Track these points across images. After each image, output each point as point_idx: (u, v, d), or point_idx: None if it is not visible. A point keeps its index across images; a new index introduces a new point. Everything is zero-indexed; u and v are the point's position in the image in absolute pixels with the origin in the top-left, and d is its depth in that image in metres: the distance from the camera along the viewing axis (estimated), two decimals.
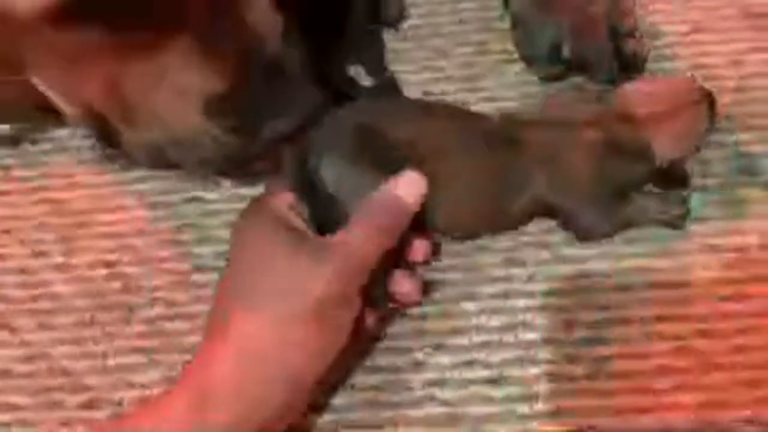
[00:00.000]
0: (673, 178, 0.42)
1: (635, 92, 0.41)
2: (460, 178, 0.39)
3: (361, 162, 0.37)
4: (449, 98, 0.47)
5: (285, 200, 0.37)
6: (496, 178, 0.40)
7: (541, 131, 0.40)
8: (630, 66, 0.45)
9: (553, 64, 0.46)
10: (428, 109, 0.42)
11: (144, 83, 0.36)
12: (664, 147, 0.40)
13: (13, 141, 0.50)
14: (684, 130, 0.40)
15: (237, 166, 0.41)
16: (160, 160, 0.39)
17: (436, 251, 0.41)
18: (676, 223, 0.42)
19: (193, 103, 0.36)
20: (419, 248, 0.39)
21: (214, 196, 0.46)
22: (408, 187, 0.37)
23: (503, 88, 0.47)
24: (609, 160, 0.40)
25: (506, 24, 0.49)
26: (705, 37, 0.48)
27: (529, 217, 0.42)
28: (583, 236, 0.42)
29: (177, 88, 0.36)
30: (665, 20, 0.48)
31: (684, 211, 0.42)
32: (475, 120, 0.41)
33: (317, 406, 0.40)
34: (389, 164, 0.37)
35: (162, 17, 0.34)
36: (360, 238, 0.35)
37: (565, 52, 0.45)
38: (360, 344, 0.40)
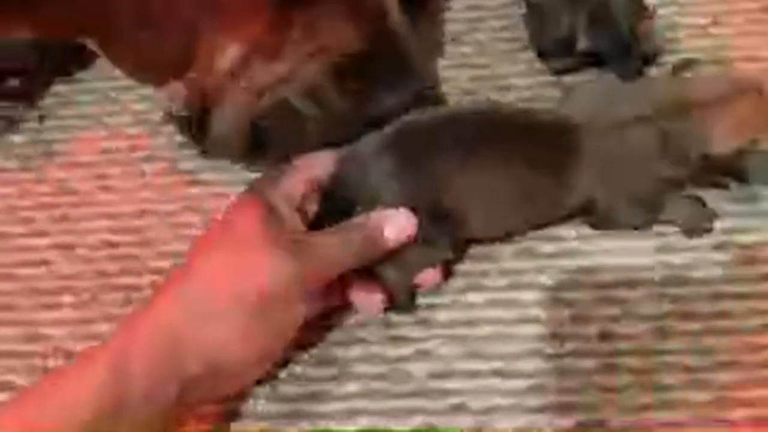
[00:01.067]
0: (729, 173, 0.42)
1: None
2: (509, 187, 0.39)
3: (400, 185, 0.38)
4: (462, 85, 0.47)
5: (282, 190, 0.37)
6: (547, 183, 0.39)
7: (595, 135, 0.39)
8: (647, 58, 0.44)
9: (567, 57, 0.45)
10: (476, 118, 0.40)
11: (283, 41, 0.36)
12: (720, 140, 0.38)
13: (23, 95, 0.49)
14: (740, 123, 0.39)
15: (332, 137, 0.39)
16: (245, 141, 0.39)
17: (446, 274, 0.41)
18: (698, 234, 0.41)
19: (324, 62, 0.36)
20: (429, 276, 0.40)
21: (218, 178, 0.46)
22: (396, 230, 0.37)
23: (517, 76, 0.47)
24: (660, 155, 0.39)
25: (522, 10, 0.48)
26: (723, 31, 0.47)
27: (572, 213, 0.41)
28: (609, 227, 0.41)
29: (316, 45, 0.36)
30: (683, 12, 0.48)
31: (711, 228, 0.41)
32: (527, 126, 0.40)
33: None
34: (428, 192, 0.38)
35: None
36: (326, 254, 0.35)
37: (581, 44, 0.44)
38: (346, 320, 0.40)
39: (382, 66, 0.37)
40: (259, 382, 0.39)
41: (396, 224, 0.37)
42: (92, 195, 0.46)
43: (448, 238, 0.39)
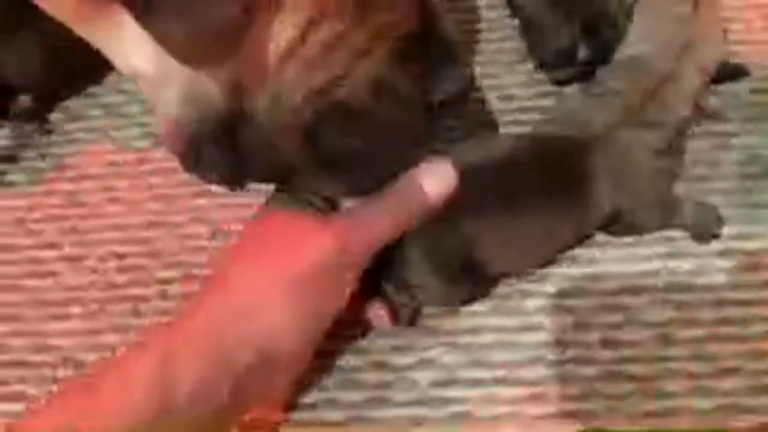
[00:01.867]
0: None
1: None
2: (536, 225, 0.38)
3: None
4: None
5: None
6: (571, 209, 0.39)
7: (598, 147, 0.39)
8: None
9: (568, 67, 0.45)
10: (488, 168, 0.38)
11: (340, 23, 0.30)
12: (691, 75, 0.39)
13: (34, 112, 0.49)
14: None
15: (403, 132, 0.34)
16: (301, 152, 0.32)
17: None
18: (704, 238, 0.41)
19: (386, 45, 0.32)
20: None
21: (225, 189, 0.46)
22: (437, 182, 0.35)
23: (518, 86, 0.47)
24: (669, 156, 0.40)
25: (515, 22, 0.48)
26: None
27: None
28: (631, 233, 0.41)
29: (374, 28, 0.31)
30: None
31: (719, 232, 0.41)
32: (539, 159, 0.39)
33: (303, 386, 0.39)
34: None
35: None
36: (371, 216, 0.33)
37: (582, 54, 0.44)
38: (352, 329, 0.40)
39: (434, 49, 0.34)
40: None
41: (435, 176, 0.35)
42: (100, 207, 0.47)
43: (473, 283, 0.40)
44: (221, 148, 0.31)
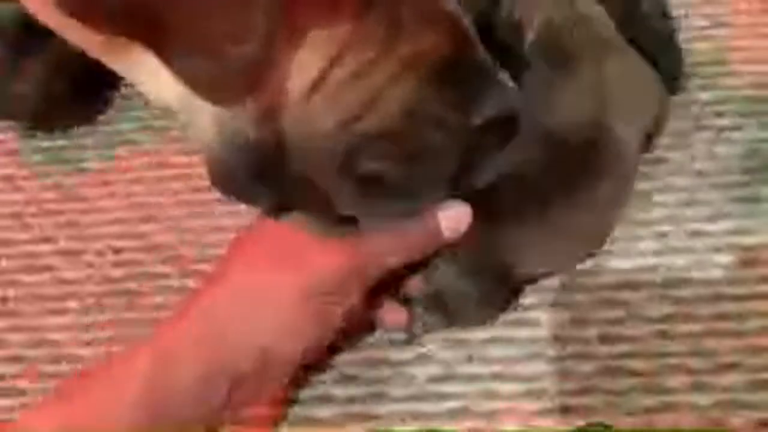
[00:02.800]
0: None
1: None
2: (573, 223, 0.38)
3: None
4: None
5: None
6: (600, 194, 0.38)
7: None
8: None
9: None
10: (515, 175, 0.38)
11: (372, 53, 0.30)
12: None
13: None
14: None
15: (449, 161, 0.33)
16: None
17: None
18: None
19: (419, 73, 0.31)
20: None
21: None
22: (453, 222, 0.35)
23: None
24: None
25: None
26: (723, 32, 0.47)
27: None
28: None
29: (404, 58, 0.31)
30: (684, 15, 0.47)
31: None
32: (560, 161, 0.38)
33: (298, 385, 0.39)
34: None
35: None
36: (380, 245, 0.34)
37: None
38: (352, 335, 0.39)
39: (469, 70, 0.32)
40: None
41: (452, 216, 0.35)
42: (97, 201, 0.47)
43: (505, 296, 0.39)
44: (261, 177, 0.31)
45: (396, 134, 0.31)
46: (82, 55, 0.31)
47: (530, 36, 0.40)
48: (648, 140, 0.42)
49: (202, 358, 0.31)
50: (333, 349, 0.40)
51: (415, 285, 0.38)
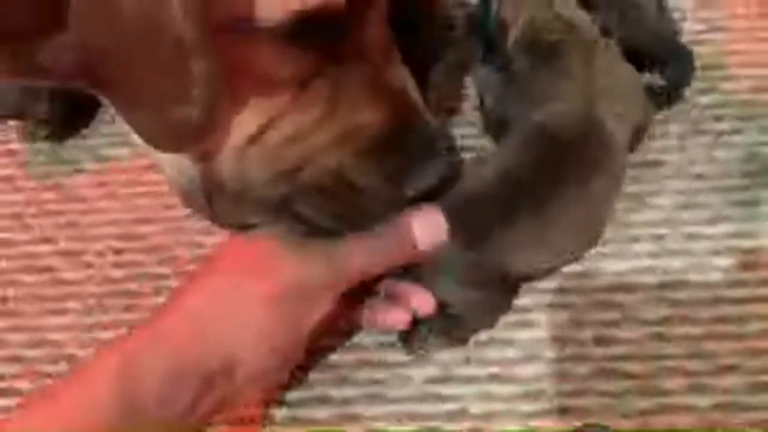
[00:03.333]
0: None
1: None
2: (575, 220, 0.38)
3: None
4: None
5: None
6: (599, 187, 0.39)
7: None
8: None
9: None
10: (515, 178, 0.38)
11: (304, 118, 0.32)
12: None
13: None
14: None
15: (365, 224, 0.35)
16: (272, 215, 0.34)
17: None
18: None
19: (357, 143, 0.33)
20: (425, 301, 0.38)
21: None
22: (427, 231, 0.35)
23: None
24: None
25: None
26: (720, 36, 0.47)
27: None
28: None
29: (343, 127, 0.33)
30: (681, 18, 0.48)
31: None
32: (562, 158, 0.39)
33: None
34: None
35: (350, 49, 0.32)
36: (353, 257, 0.34)
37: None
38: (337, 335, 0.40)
39: (410, 142, 0.34)
40: None
41: (425, 224, 0.35)
42: (96, 202, 0.47)
43: (509, 298, 0.40)
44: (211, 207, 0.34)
45: (330, 192, 0.33)
46: None
47: (515, 33, 0.41)
48: (637, 137, 0.42)
49: (173, 352, 0.31)
50: (326, 350, 0.40)
51: (425, 304, 0.38)
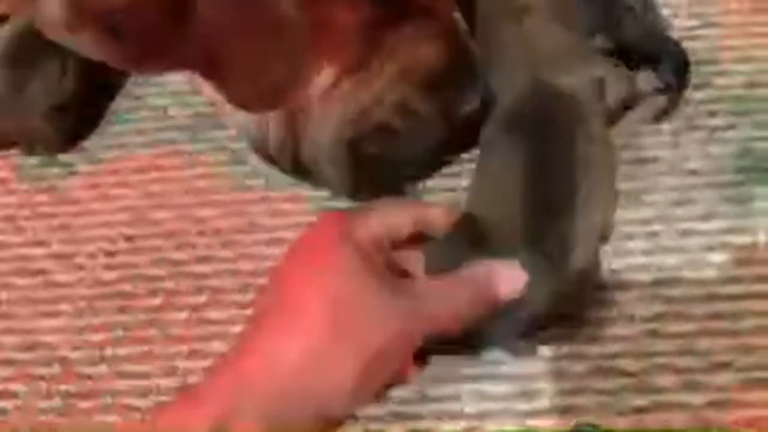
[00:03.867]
0: None
1: None
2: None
3: None
4: None
5: (370, 233, 0.34)
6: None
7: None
8: None
9: None
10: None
11: (371, 64, 0.38)
12: None
13: None
14: None
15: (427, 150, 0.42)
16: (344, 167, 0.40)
17: None
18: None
19: (417, 77, 0.39)
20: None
21: (210, 185, 0.46)
22: (510, 285, 0.35)
23: None
24: None
25: None
26: (714, 32, 0.47)
27: None
28: None
29: (402, 66, 0.39)
30: (673, 14, 0.47)
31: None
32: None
33: None
34: None
35: None
36: (438, 300, 0.33)
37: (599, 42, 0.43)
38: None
39: (459, 75, 0.40)
40: None
41: (508, 278, 0.35)
42: (89, 204, 0.47)
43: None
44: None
45: (392, 129, 0.39)
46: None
47: None
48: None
49: (265, 419, 0.30)
50: None
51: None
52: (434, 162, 0.43)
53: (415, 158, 0.41)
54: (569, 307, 0.38)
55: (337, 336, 0.31)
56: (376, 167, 0.40)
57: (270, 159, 0.42)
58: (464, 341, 0.37)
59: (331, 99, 0.38)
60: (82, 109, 0.48)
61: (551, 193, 0.38)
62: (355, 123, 0.39)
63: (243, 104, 0.38)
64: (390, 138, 0.39)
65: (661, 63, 0.44)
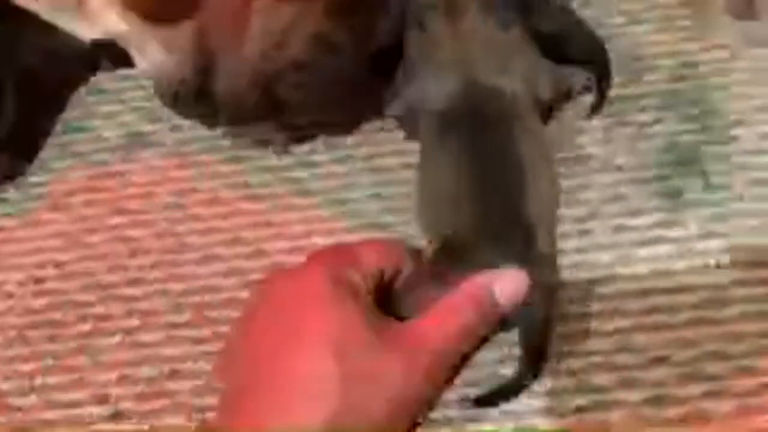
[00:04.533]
0: None
1: None
2: None
3: None
4: None
5: (365, 271, 0.34)
6: None
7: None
8: None
9: None
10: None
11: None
12: None
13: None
14: None
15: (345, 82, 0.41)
16: (258, 96, 0.39)
17: None
18: None
19: (328, 5, 0.38)
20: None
21: (142, 207, 0.45)
22: (511, 291, 0.34)
23: None
24: None
25: None
26: (641, 29, 0.47)
27: None
28: None
29: None
30: (602, 13, 0.48)
31: None
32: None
33: None
34: None
35: None
36: (438, 337, 0.32)
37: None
38: None
39: (371, 3, 0.40)
40: None
41: (509, 283, 0.34)
42: (14, 231, 0.46)
43: None
44: (197, 93, 0.39)
45: (307, 65, 0.39)
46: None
47: None
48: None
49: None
50: None
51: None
52: (349, 102, 0.43)
53: (328, 93, 0.41)
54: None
55: (349, 408, 0.30)
56: (290, 103, 0.40)
57: (173, 97, 0.40)
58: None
59: (243, 17, 0.37)
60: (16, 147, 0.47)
61: (499, 188, 0.38)
62: (270, 59, 0.38)
63: (139, 11, 0.36)
64: (305, 73, 0.39)
65: (591, 60, 0.44)
